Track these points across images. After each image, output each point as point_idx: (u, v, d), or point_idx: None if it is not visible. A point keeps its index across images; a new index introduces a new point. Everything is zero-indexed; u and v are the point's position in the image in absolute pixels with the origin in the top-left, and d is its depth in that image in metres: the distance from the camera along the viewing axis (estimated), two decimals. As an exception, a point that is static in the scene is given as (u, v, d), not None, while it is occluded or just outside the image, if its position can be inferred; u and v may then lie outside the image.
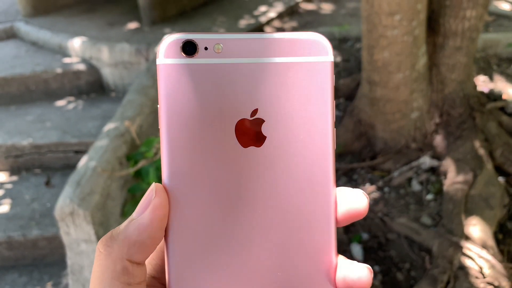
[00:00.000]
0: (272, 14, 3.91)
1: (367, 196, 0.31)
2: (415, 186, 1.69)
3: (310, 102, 0.30)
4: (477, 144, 1.72)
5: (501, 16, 3.72)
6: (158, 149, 1.29)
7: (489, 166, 1.69)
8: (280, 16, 3.98)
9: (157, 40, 2.56)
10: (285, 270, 0.30)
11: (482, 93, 2.08)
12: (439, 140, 1.78)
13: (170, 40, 0.29)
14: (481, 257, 1.33)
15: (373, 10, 1.53)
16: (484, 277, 1.28)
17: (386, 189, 1.71)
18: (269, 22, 3.85)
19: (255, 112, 0.29)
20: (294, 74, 0.30)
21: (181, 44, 0.29)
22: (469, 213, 1.48)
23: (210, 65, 0.29)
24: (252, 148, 0.29)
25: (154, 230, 0.27)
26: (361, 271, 0.29)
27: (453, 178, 1.63)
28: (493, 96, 2.15)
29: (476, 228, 1.43)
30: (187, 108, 0.29)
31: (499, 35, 3.01)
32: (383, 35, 1.56)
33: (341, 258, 0.31)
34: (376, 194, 1.68)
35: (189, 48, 0.29)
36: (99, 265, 0.27)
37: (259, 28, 3.69)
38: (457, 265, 1.31)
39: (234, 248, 0.29)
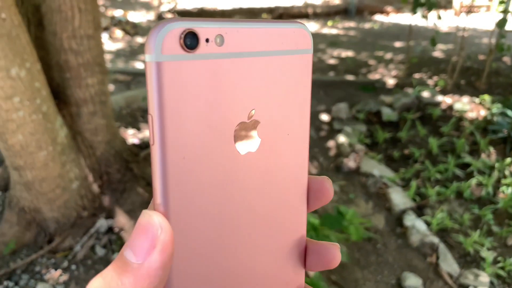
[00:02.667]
0: None
1: (330, 181, 0.32)
2: (100, 251, 1.69)
3: (296, 96, 0.29)
4: (140, 190, 1.89)
5: (137, 75, 4.24)
6: None
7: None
8: None
9: None
10: (267, 264, 0.29)
11: (134, 145, 2.31)
12: (107, 200, 1.85)
13: (169, 29, 0.22)
14: None
15: (-12, 97, 1.44)
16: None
17: (73, 267, 1.63)
18: None
19: (251, 114, 0.27)
20: (286, 67, 0.28)
21: (183, 35, 0.23)
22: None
23: (212, 61, 0.24)
24: (249, 154, 0.27)
25: (166, 272, 0.22)
26: (330, 250, 0.30)
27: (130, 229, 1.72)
28: (145, 144, 2.42)
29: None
30: (187, 116, 0.24)
31: (138, 91, 3.43)
32: (10, 119, 1.49)
33: (310, 240, 0.32)
34: (63, 277, 1.58)
35: (191, 41, 0.23)
36: None
37: None
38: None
39: (236, 270, 0.27)
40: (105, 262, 1.65)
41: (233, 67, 0.25)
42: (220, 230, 0.26)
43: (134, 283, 0.21)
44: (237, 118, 0.26)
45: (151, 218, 0.22)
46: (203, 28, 0.24)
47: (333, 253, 0.30)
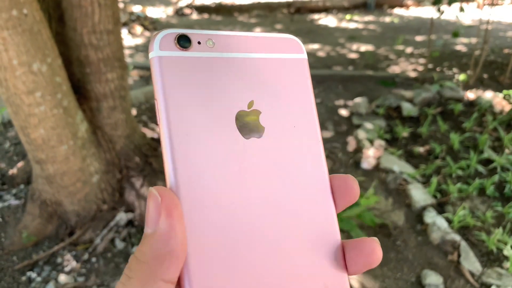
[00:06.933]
0: None
1: (355, 178, 0.31)
2: (119, 244, 1.71)
3: (296, 93, 0.31)
4: (159, 184, 1.90)
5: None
6: None
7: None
8: None
9: None
10: (298, 265, 0.28)
11: (152, 139, 2.32)
12: (127, 194, 1.87)
13: (165, 33, 0.28)
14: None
15: (11, 92, 1.47)
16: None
17: (93, 260, 1.65)
18: None
19: (251, 103, 0.29)
20: (280, 68, 0.31)
21: (176, 37, 0.28)
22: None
23: (206, 58, 0.28)
24: (254, 140, 0.29)
25: (179, 234, 0.24)
26: (368, 243, 0.29)
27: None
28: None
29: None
30: (187, 100, 0.27)
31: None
32: (32, 114, 1.51)
33: (345, 241, 0.30)
34: (84, 270, 1.61)
35: (183, 42, 0.28)
36: None
37: None
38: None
39: (251, 248, 0.27)
40: (125, 255, 1.67)
41: (225, 63, 0.29)
42: (232, 206, 0.27)
43: (151, 249, 0.23)
44: (236, 105, 0.29)
45: (152, 191, 0.25)
46: (194, 34, 0.29)
47: (372, 247, 0.29)
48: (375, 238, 0.29)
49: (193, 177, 0.26)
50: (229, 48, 0.29)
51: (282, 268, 0.28)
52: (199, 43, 0.29)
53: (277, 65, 0.31)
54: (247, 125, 0.29)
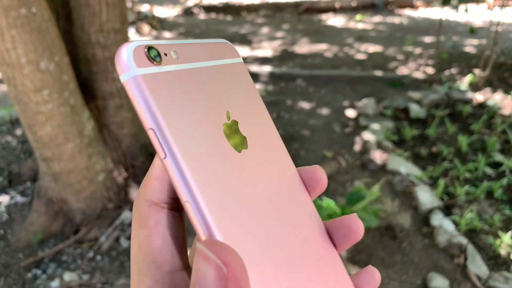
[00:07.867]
0: None
1: (322, 168, 0.31)
2: (124, 243, 1.71)
3: (250, 97, 0.31)
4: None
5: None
6: None
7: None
8: None
9: None
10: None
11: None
12: (132, 192, 1.87)
13: (135, 46, 0.23)
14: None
15: (19, 89, 1.48)
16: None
17: (98, 258, 1.66)
18: None
19: (228, 114, 0.28)
20: (229, 74, 0.30)
21: (147, 50, 0.24)
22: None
23: (178, 72, 0.25)
24: (244, 152, 0.27)
25: None
26: (347, 219, 0.30)
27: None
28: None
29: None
30: (183, 124, 0.24)
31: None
32: (39, 112, 1.52)
33: (327, 221, 0.31)
34: (89, 268, 1.61)
35: (154, 55, 0.24)
36: None
37: None
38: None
39: (294, 267, 0.26)
40: (129, 253, 1.68)
41: (195, 75, 0.27)
42: (262, 224, 0.26)
43: None
44: (220, 119, 0.27)
45: (211, 258, 0.20)
46: (158, 45, 0.25)
47: (356, 223, 0.30)
48: (354, 214, 0.31)
49: (226, 214, 0.23)
50: (190, 58, 0.27)
51: (311, 268, 0.28)
52: (165, 55, 0.25)
53: (227, 70, 0.31)
54: (235, 137, 0.27)
